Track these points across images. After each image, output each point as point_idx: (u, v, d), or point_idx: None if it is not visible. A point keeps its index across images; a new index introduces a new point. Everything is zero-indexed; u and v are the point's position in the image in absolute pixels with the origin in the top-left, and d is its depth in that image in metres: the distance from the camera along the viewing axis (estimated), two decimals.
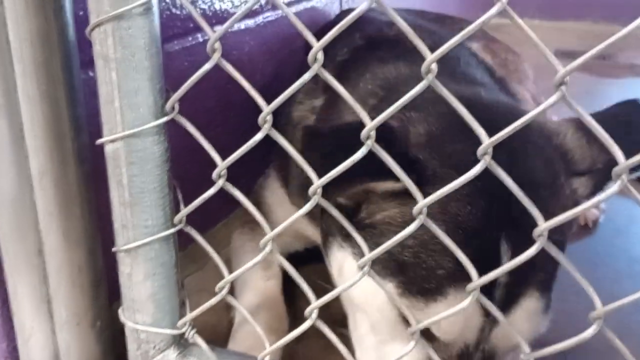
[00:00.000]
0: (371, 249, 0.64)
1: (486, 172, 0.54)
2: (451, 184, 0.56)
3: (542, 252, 0.57)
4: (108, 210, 0.74)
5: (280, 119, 1.12)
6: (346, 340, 1.08)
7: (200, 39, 1.20)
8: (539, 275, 0.72)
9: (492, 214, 0.71)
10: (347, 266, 0.81)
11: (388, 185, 0.73)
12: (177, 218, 0.74)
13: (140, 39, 0.64)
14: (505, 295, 0.71)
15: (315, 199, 0.65)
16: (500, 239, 0.70)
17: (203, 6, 1.20)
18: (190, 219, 0.75)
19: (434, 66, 0.53)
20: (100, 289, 0.86)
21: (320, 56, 0.58)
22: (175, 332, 0.78)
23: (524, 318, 0.73)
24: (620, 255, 1.39)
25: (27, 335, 0.86)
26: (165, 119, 0.68)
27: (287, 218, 0.63)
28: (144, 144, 0.68)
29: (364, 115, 0.58)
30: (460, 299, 0.64)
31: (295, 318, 1.09)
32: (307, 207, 0.65)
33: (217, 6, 1.24)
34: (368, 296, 0.76)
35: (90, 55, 0.67)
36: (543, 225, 0.55)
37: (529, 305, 0.73)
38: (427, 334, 0.71)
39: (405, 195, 0.71)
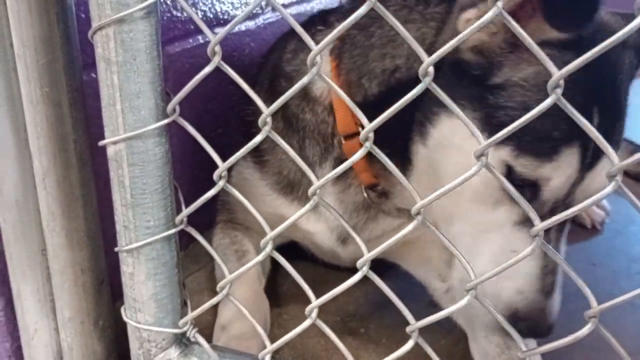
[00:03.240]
0: (492, 119, 0.77)
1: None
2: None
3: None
4: (111, 210, 0.75)
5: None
6: (353, 335, 1.11)
7: (201, 41, 1.21)
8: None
9: (589, 88, 0.76)
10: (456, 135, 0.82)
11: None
12: (178, 218, 0.75)
13: (142, 42, 0.65)
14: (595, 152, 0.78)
15: (315, 199, 0.66)
16: (593, 109, 0.77)
17: (203, 8, 1.21)
18: (193, 218, 0.76)
19: (431, 70, 0.54)
20: (103, 289, 0.87)
21: (319, 59, 0.59)
22: (177, 331, 0.79)
23: (601, 171, 0.80)
24: (619, 256, 1.40)
25: (31, 334, 0.87)
26: (166, 121, 0.68)
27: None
28: (146, 145, 0.69)
29: (364, 120, 0.59)
30: (570, 159, 0.76)
31: (285, 321, 1.10)
32: (307, 207, 0.66)
33: (217, 8, 1.25)
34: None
35: (93, 57, 0.68)
36: (540, 226, 0.55)
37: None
38: (529, 194, 0.79)
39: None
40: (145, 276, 0.75)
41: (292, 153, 0.67)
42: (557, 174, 0.78)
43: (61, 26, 0.72)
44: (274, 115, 0.64)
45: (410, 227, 0.60)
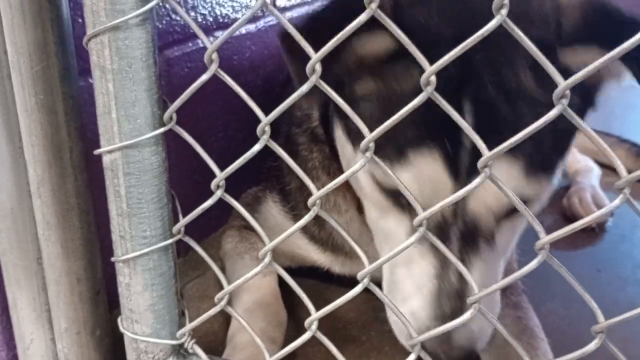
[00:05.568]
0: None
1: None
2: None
3: (522, 113, 0.57)
4: (107, 219, 0.74)
5: (281, 124, 1.12)
6: (355, 343, 1.09)
7: (201, 45, 1.20)
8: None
9: (453, 74, 0.66)
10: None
11: (376, 46, 0.69)
12: (175, 228, 0.73)
13: (137, 49, 0.63)
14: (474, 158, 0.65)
15: (315, 209, 0.64)
16: (461, 95, 0.68)
17: (203, 11, 1.20)
18: (191, 226, 0.75)
19: (433, 79, 0.52)
20: (100, 298, 0.86)
21: (318, 67, 0.57)
22: (175, 342, 0.78)
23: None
24: (625, 261, 1.38)
25: (27, 343, 0.86)
26: (162, 129, 0.67)
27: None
28: (142, 154, 0.68)
29: (364, 130, 0.58)
30: (422, 165, 0.69)
31: (296, 325, 1.09)
32: (307, 218, 0.65)
33: (217, 12, 1.23)
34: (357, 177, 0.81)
35: (89, 62, 0.67)
36: (545, 239, 0.54)
37: (501, 170, 0.67)
38: (402, 203, 0.74)
39: (386, 66, 0.70)
40: (142, 287, 0.74)
41: (291, 163, 0.65)
42: (409, 181, 0.69)
43: (56, 32, 0.71)
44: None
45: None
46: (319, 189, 0.63)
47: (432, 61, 0.51)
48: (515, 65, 0.69)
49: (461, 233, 0.73)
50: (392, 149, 0.70)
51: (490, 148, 0.55)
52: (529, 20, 0.70)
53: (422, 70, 0.52)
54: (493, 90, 0.67)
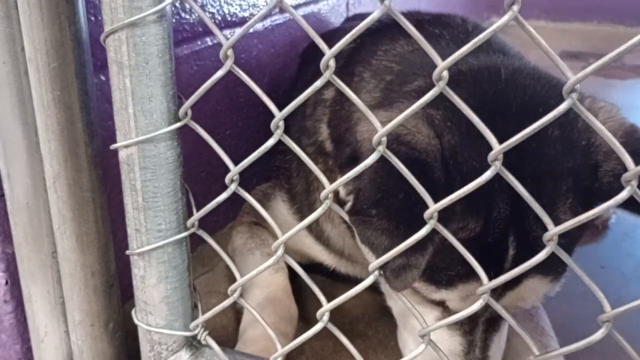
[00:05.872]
0: None
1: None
2: (460, 191, 0.57)
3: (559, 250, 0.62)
4: (121, 213, 0.75)
5: (292, 131, 1.12)
6: (362, 337, 1.11)
7: (210, 43, 1.21)
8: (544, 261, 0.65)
9: (500, 212, 0.73)
10: None
11: None
12: (189, 222, 0.75)
13: (154, 46, 0.65)
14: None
15: (327, 203, 0.66)
16: (508, 232, 0.74)
17: (212, 10, 1.21)
18: (202, 219, 0.76)
19: (445, 74, 0.54)
20: (113, 291, 0.87)
21: (332, 63, 0.59)
22: (188, 334, 0.79)
23: (529, 292, 0.80)
24: (627, 259, 1.39)
25: (41, 336, 0.87)
26: (178, 124, 0.69)
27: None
28: (158, 149, 0.69)
29: (376, 124, 0.59)
30: (467, 289, 0.77)
31: (305, 320, 1.10)
32: (320, 210, 0.66)
33: (225, 10, 1.25)
34: None
35: (103, 59, 0.68)
36: (553, 230, 0.55)
37: (533, 283, 0.78)
38: (440, 303, 0.83)
39: None
40: (157, 279, 0.75)
41: (303, 156, 0.67)
42: (455, 299, 0.80)
43: (72, 29, 0.72)
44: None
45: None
46: (319, 199, 0.66)
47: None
48: (557, 205, 0.75)
49: (487, 320, 0.85)
50: (443, 279, 0.78)
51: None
52: (572, 142, 0.77)
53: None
54: (534, 227, 0.74)
